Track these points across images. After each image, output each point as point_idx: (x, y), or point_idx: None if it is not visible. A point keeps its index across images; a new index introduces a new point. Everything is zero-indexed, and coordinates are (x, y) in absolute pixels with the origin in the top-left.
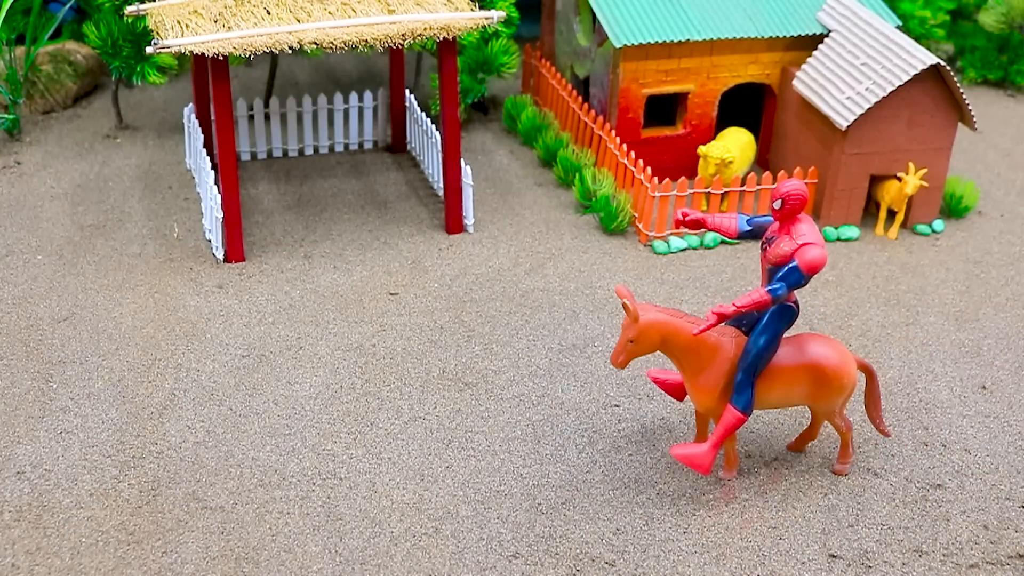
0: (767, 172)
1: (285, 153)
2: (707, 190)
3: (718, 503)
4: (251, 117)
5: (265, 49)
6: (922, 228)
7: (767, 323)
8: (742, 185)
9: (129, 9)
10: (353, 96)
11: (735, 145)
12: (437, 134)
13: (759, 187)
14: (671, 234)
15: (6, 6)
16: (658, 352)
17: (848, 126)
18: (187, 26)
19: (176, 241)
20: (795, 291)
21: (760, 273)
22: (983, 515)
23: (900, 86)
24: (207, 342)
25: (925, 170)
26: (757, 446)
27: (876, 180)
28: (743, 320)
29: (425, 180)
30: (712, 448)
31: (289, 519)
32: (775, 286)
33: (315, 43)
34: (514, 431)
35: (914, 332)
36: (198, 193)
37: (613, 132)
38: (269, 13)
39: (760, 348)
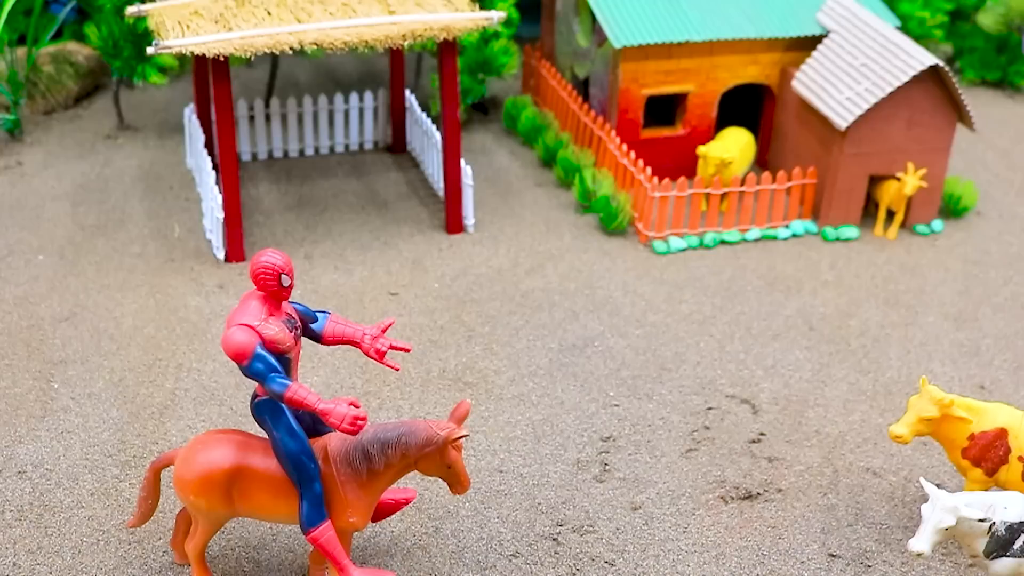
0: (767, 172)
1: (286, 153)
2: (707, 190)
3: (718, 503)
4: (252, 117)
5: (266, 50)
6: (921, 228)
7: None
8: (742, 185)
9: (130, 10)
10: (353, 97)
11: (735, 145)
12: (437, 134)
13: (759, 187)
14: (671, 234)
15: (8, 7)
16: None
17: (847, 126)
18: (188, 27)
19: (177, 241)
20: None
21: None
22: None
23: (899, 87)
24: (208, 342)
25: (924, 170)
26: (757, 445)
27: (875, 180)
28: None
29: (425, 180)
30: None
31: None
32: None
33: (316, 44)
34: (514, 431)
35: (913, 332)
36: (199, 193)
37: (613, 132)
38: (270, 14)
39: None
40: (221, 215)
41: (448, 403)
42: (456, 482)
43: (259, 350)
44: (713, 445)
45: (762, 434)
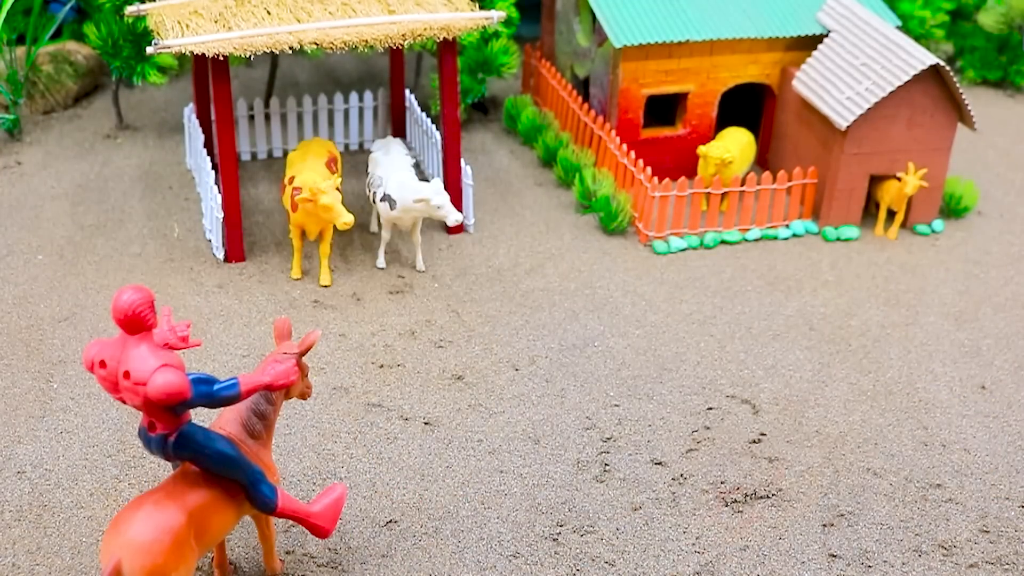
0: (767, 172)
1: (285, 153)
2: (707, 190)
3: (718, 503)
4: (251, 117)
5: (265, 49)
6: (922, 228)
7: None
8: (742, 185)
9: (129, 9)
10: (353, 96)
11: (735, 145)
12: (437, 134)
13: (759, 187)
14: (671, 234)
15: (7, 6)
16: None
17: (848, 126)
18: (187, 26)
19: (176, 241)
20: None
21: None
22: (982, 515)
23: (900, 86)
24: (207, 342)
25: (925, 170)
26: (757, 445)
27: (876, 180)
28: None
29: (425, 180)
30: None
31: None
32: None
33: (315, 43)
34: (514, 431)
35: (914, 332)
36: (198, 193)
37: (613, 132)
38: (269, 13)
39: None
40: (221, 215)
41: (448, 403)
42: (309, 387)
43: (191, 378)
44: (713, 445)
45: (762, 434)
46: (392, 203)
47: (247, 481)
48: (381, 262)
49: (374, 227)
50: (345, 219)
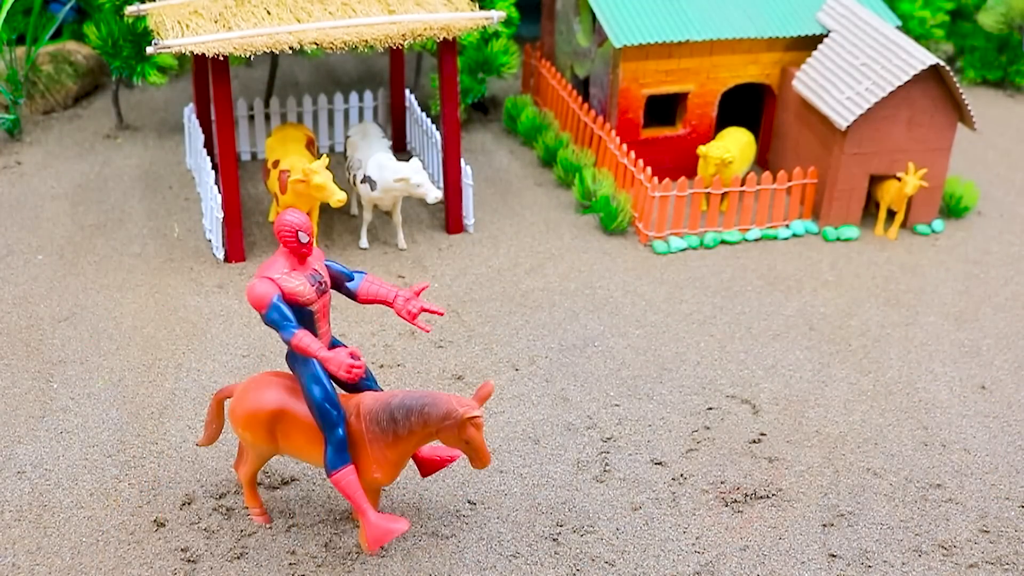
0: (767, 172)
1: None
2: (707, 190)
3: (718, 503)
4: (251, 117)
5: (265, 49)
6: (922, 228)
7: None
8: (742, 185)
9: (129, 9)
10: (353, 96)
11: (735, 145)
12: (437, 134)
13: (759, 187)
14: (671, 234)
15: (7, 6)
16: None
17: (848, 126)
18: (187, 26)
19: (176, 241)
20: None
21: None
22: (982, 515)
23: (900, 86)
24: (207, 342)
25: (925, 170)
26: (757, 445)
27: (876, 180)
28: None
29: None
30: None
31: (290, 519)
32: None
33: (315, 43)
34: (514, 431)
35: (914, 332)
36: (198, 193)
37: (613, 132)
38: (269, 13)
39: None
40: (221, 215)
41: None
42: (475, 457)
43: (276, 301)
44: (713, 445)
45: (762, 434)
46: (372, 184)
47: (322, 431)
48: (364, 242)
49: (355, 209)
50: (338, 196)
